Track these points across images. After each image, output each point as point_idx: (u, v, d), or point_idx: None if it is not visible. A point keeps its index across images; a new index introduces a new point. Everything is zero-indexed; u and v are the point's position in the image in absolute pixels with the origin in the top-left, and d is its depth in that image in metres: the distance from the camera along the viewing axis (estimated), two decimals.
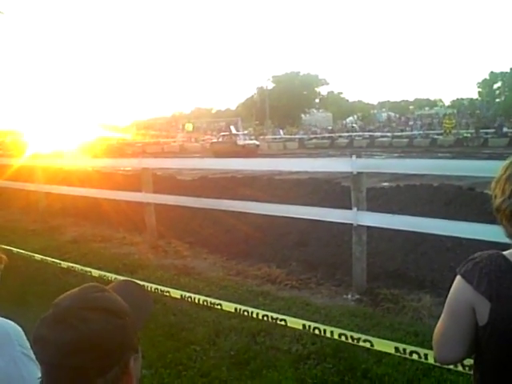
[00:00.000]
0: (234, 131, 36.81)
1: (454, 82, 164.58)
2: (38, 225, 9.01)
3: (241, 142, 33.10)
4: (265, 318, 3.29)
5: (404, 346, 2.69)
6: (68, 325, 0.93)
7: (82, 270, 4.86)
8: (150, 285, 4.07)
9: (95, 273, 4.66)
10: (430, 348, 2.99)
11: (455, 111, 58.84)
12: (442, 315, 1.43)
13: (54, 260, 5.27)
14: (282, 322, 3.17)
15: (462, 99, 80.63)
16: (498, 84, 72.16)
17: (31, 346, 0.97)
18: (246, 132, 45.94)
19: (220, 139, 35.17)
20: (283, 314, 3.51)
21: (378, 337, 3.13)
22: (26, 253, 5.56)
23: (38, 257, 5.46)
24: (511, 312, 1.24)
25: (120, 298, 1.04)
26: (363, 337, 2.82)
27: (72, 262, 5.32)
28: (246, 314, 3.41)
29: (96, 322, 0.94)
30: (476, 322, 1.31)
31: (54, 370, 0.94)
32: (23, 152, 13.78)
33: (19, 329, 1.87)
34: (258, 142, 36.59)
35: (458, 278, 1.35)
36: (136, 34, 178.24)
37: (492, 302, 1.26)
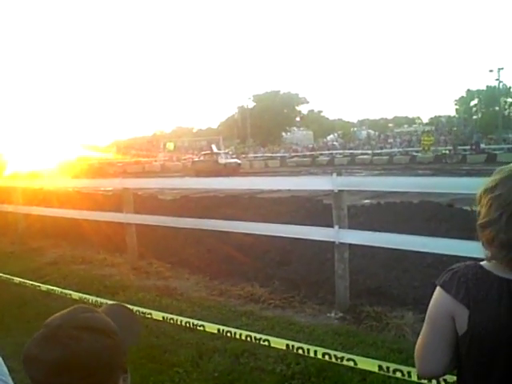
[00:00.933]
0: (215, 150, 36.91)
1: (432, 100, 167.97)
2: (16, 247, 8.87)
3: (222, 161, 33.15)
4: (248, 339, 3.27)
5: (387, 364, 2.69)
6: (58, 343, 0.95)
7: (61, 292, 4.78)
8: (131, 307, 4.02)
9: (75, 295, 4.58)
10: (414, 365, 2.98)
11: (433, 128, 59.85)
12: (423, 328, 1.44)
13: (32, 283, 5.18)
14: (266, 343, 3.15)
15: (440, 116, 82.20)
16: (475, 101, 73.89)
17: (23, 366, 0.98)
18: (227, 151, 46.09)
19: (202, 158, 35.22)
20: (267, 334, 3.49)
21: (362, 355, 3.13)
22: (5, 276, 5.46)
23: (16, 279, 5.37)
24: (489, 318, 1.26)
25: (110, 319, 1.05)
26: (347, 356, 2.82)
27: (52, 285, 5.23)
28: (229, 334, 3.38)
29: (86, 341, 0.96)
30: (456, 332, 1.33)
31: None
32: (1, 172, 13.61)
33: None
34: (239, 161, 36.79)
35: (438, 288, 1.37)
36: (116, 54, 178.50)
37: (470, 309, 1.28)
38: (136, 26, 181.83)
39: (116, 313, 1.13)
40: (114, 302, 1.52)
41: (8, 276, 5.47)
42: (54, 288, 4.94)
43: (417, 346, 1.47)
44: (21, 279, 5.35)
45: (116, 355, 1.00)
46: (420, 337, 1.45)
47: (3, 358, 1.86)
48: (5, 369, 1.84)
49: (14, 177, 10.25)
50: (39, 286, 5.09)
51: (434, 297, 1.39)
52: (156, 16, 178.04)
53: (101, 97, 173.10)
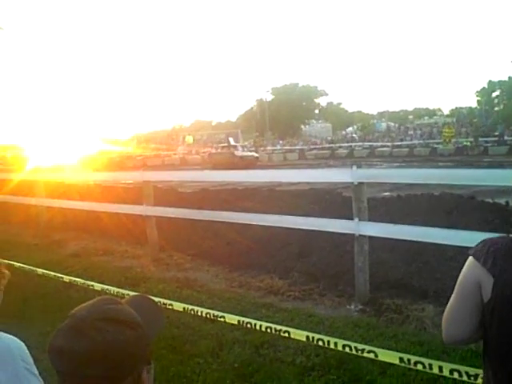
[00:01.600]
0: (232, 143, 36.84)
1: (453, 91, 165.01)
2: (39, 239, 9.01)
3: (239, 154, 33.14)
4: (268, 330, 3.28)
5: (408, 356, 2.67)
6: (83, 335, 0.96)
7: (84, 283, 4.85)
8: (152, 298, 4.06)
9: (97, 286, 4.65)
10: (435, 358, 2.99)
11: (454, 120, 58.99)
12: (452, 295, 1.49)
13: (56, 274, 5.26)
14: (286, 334, 3.16)
15: (461, 108, 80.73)
16: (497, 92, 72.41)
17: (49, 356, 0.99)
18: (245, 144, 46.03)
19: (219, 150, 35.29)
20: (286, 326, 3.49)
21: (382, 347, 3.12)
22: (28, 267, 5.55)
23: (39, 271, 5.46)
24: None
25: (133, 310, 1.06)
26: (367, 348, 2.81)
27: (74, 276, 5.30)
28: (249, 326, 3.39)
29: (110, 333, 0.96)
30: (482, 299, 1.38)
31: (69, 378, 0.96)
32: (24, 166, 13.82)
33: (22, 344, 1.87)
34: (257, 154, 36.53)
35: (469, 258, 1.43)
36: (136, 48, 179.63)
37: (495, 277, 1.33)
38: (156, 20, 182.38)
39: (140, 304, 1.14)
40: (138, 293, 1.54)
41: (31, 267, 5.56)
42: (77, 279, 5.01)
43: (445, 312, 1.52)
44: (44, 271, 5.44)
45: (140, 346, 1.01)
46: (448, 303, 1.50)
47: (28, 348, 1.91)
48: (30, 359, 1.88)
49: (36, 171, 10.38)
50: (62, 278, 5.16)
51: (465, 265, 1.45)
52: (176, 9, 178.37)
53: (122, 91, 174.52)
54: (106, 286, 4.58)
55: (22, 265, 5.55)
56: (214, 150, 37.62)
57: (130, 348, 0.98)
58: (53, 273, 5.33)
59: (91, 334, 0.95)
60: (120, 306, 1.05)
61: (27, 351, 1.88)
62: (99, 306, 1.03)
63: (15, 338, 1.87)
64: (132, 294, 4.15)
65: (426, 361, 2.56)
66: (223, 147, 35.59)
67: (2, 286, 2.09)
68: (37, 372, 1.90)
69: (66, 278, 5.14)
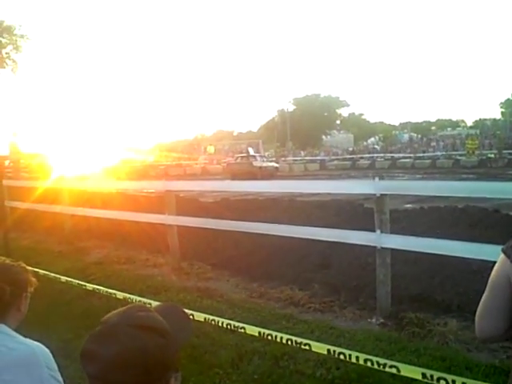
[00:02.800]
0: (251, 153, 36.59)
1: (477, 103, 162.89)
2: (63, 246, 9.14)
3: (257, 164, 32.73)
4: (289, 342, 3.26)
5: (431, 371, 2.63)
6: (115, 340, 0.98)
7: (106, 292, 4.90)
8: (181, 307, 4.07)
9: (120, 295, 4.69)
10: (458, 374, 2.95)
11: (478, 132, 58.24)
12: (485, 291, 1.52)
13: (79, 282, 5.33)
14: (307, 347, 3.14)
15: (485, 119, 79.75)
16: None
17: (80, 361, 1.02)
18: (267, 154, 45.95)
19: (238, 160, 35.13)
20: (306, 338, 3.47)
21: (404, 362, 3.08)
22: (52, 274, 5.63)
23: (63, 278, 5.53)
24: None
25: (162, 319, 1.08)
26: (389, 362, 2.78)
27: (96, 284, 5.36)
28: (269, 337, 3.38)
29: (141, 339, 0.99)
30: None
31: (100, 383, 0.98)
32: (49, 175, 14.05)
33: (47, 351, 1.91)
34: (277, 165, 36.18)
35: (500, 254, 1.47)
36: (161, 58, 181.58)
37: None
38: (180, 32, 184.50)
39: (169, 312, 1.16)
40: (167, 302, 1.56)
41: (55, 275, 5.64)
42: (100, 287, 5.06)
43: (477, 309, 1.54)
44: (67, 278, 5.51)
45: (169, 354, 1.03)
46: (481, 299, 1.52)
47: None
48: (54, 365, 1.91)
49: (60, 179, 10.55)
50: (85, 285, 5.23)
51: (497, 261, 1.48)
52: (197, 21, 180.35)
53: (145, 101, 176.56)
54: (128, 295, 4.62)
55: (46, 272, 5.63)
56: (232, 160, 37.46)
57: (160, 355, 1.00)
58: (76, 280, 5.40)
59: (122, 340, 0.97)
60: (150, 313, 1.08)
61: (52, 358, 1.92)
62: (130, 312, 1.05)
63: (41, 345, 1.91)
64: (153, 302, 4.19)
65: (449, 377, 2.52)
66: (242, 157, 35.36)
67: (29, 294, 2.14)
68: (61, 378, 1.93)
69: (89, 286, 5.20)
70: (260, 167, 32.02)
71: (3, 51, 32.71)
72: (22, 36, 33.14)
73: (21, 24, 32.92)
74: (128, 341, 0.97)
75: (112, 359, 0.96)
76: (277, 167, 34.96)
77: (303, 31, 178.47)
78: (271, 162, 37.55)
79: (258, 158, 34.94)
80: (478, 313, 1.53)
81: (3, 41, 32.64)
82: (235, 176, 27.49)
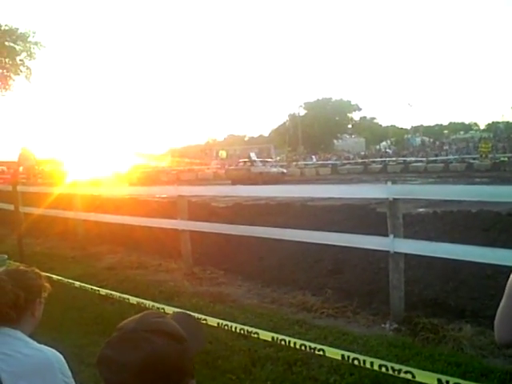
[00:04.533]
0: (253, 158, 35.04)
1: (490, 106, 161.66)
2: (76, 252, 9.20)
3: (258, 170, 30.95)
4: (302, 348, 3.25)
5: (447, 377, 2.60)
6: (133, 345, 0.98)
7: (120, 297, 4.91)
8: (193, 315, 4.07)
9: (133, 300, 4.70)
10: (473, 380, 2.92)
11: (491, 135, 57.74)
12: (503, 297, 1.50)
13: (92, 287, 5.35)
14: (320, 352, 3.12)
15: (498, 122, 79.05)
16: None
17: (97, 367, 1.02)
18: (278, 158, 45.55)
19: (238, 166, 33.69)
20: (320, 343, 3.45)
21: (418, 368, 3.04)
22: (66, 280, 5.66)
23: (76, 284, 5.56)
24: None
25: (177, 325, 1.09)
26: (404, 368, 2.75)
27: (109, 289, 5.38)
28: (283, 343, 3.37)
29: (158, 345, 0.99)
30: None
31: None
32: (62, 180, 14.17)
33: (61, 357, 1.92)
34: (283, 170, 34.79)
35: None
36: (171, 63, 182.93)
37: None
38: (192, 37, 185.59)
39: (182, 320, 1.16)
40: (180, 310, 1.57)
41: (69, 280, 5.67)
42: (113, 292, 5.08)
43: (496, 315, 1.51)
44: (81, 283, 5.54)
45: (185, 360, 1.03)
46: (499, 306, 1.50)
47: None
48: (68, 371, 1.92)
49: (73, 185, 10.63)
50: (98, 291, 5.25)
51: None
52: (209, 26, 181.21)
53: (157, 106, 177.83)
54: (141, 300, 4.63)
55: (59, 277, 5.66)
56: (232, 166, 35.83)
57: (176, 360, 1.01)
58: (89, 285, 5.42)
59: (139, 345, 0.98)
60: (166, 319, 1.09)
61: (66, 364, 1.93)
62: (146, 318, 1.06)
63: (55, 351, 1.92)
64: (166, 307, 4.19)
65: (465, 383, 2.49)
66: (243, 163, 33.70)
67: (43, 299, 2.16)
68: None
69: (103, 291, 5.22)
70: (260, 173, 30.35)
71: (17, 58, 33.08)
72: (35, 43, 33.51)
73: (35, 31, 33.27)
74: (145, 346, 0.98)
75: (129, 365, 0.96)
76: (283, 172, 33.56)
77: (315, 35, 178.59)
78: (276, 167, 36.02)
79: (259, 164, 33.19)
80: (496, 319, 1.50)
81: (17, 48, 33.00)
82: (235, 183, 26.47)
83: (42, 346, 1.92)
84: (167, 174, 41.97)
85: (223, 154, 54.89)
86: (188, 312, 1.35)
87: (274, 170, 33.41)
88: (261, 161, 35.09)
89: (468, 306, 4.86)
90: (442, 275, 5.44)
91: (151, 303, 4.49)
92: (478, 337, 4.27)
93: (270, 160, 40.83)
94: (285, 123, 73.97)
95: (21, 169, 19.88)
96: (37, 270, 2.20)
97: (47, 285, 2.20)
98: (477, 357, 3.97)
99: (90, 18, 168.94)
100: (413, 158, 42.67)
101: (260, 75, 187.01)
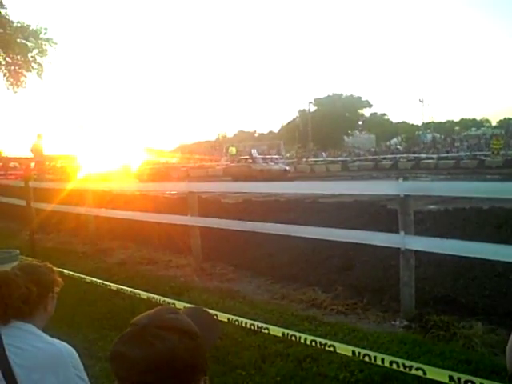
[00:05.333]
0: (255, 155, 34.69)
1: (501, 102, 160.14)
2: (87, 247, 9.26)
3: (258, 167, 30.31)
4: (313, 344, 3.25)
5: (458, 374, 2.60)
6: (145, 342, 0.98)
7: (131, 292, 4.94)
8: (208, 311, 4.08)
9: (144, 295, 4.73)
10: (484, 377, 2.89)
11: (503, 131, 57.17)
12: None
13: (103, 282, 5.39)
14: (331, 348, 3.12)
15: (510, 119, 78.24)
16: None
17: (110, 362, 1.02)
18: (288, 155, 45.18)
19: (238, 163, 33.46)
20: (330, 340, 3.45)
21: (429, 365, 3.03)
22: (77, 275, 5.71)
23: (88, 279, 5.60)
24: None
25: (191, 321, 1.08)
26: (415, 365, 2.75)
27: (120, 284, 5.41)
28: (293, 338, 3.38)
29: (171, 341, 0.99)
30: None
31: None
32: (73, 176, 14.24)
33: (74, 351, 1.93)
34: (286, 167, 33.39)
35: None
36: (182, 60, 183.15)
37: None
38: (202, 34, 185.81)
39: (197, 315, 1.16)
40: (195, 306, 1.57)
41: (80, 275, 5.71)
42: (124, 287, 5.12)
43: (508, 343, 1.45)
44: (92, 278, 5.59)
45: (198, 357, 1.03)
46: (511, 336, 1.44)
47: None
48: (81, 365, 1.94)
49: (86, 179, 10.69)
50: (109, 286, 5.28)
51: None
52: (219, 22, 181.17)
53: (168, 102, 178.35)
54: (151, 295, 4.66)
55: (71, 272, 5.71)
56: (233, 164, 35.33)
57: (190, 357, 1.00)
58: (100, 280, 5.46)
59: (152, 342, 0.98)
60: (180, 315, 1.08)
61: (78, 358, 1.94)
62: (160, 314, 1.05)
63: (67, 345, 1.94)
64: (177, 303, 4.21)
65: (477, 380, 2.48)
66: (245, 160, 33.22)
67: (56, 294, 2.18)
68: (86, 378, 1.96)
69: (114, 286, 5.25)
70: (261, 170, 29.62)
71: (29, 55, 33.21)
72: (47, 40, 33.61)
73: (46, 28, 33.36)
74: (158, 342, 0.97)
75: (142, 361, 0.96)
76: (285, 169, 32.08)
77: (325, 31, 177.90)
78: (278, 164, 34.57)
79: (260, 161, 32.66)
80: (508, 346, 1.45)
81: (29, 45, 33.13)
82: (236, 180, 25.97)
83: (55, 339, 1.94)
84: (178, 170, 41.97)
85: (233, 150, 54.80)
86: (202, 307, 1.35)
87: (276, 167, 32.09)
88: (262, 157, 34.57)
89: (479, 304, 4.83)
90: (453, 272, 5.40)
91: (162, 298, 4.51)
92: (488, 334, 4.25)
93: (275, 156, 40.10)
94: (295, 119, 73.85)
95: (32, 165, 20.02)
96: (49, 265, 2.22)
97: (59, 279, 2.22)
98: (488, 354, 3.95)
99: (105, 13, 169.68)
100: (424, 155, 42.38)
101: (270, 71, 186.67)
